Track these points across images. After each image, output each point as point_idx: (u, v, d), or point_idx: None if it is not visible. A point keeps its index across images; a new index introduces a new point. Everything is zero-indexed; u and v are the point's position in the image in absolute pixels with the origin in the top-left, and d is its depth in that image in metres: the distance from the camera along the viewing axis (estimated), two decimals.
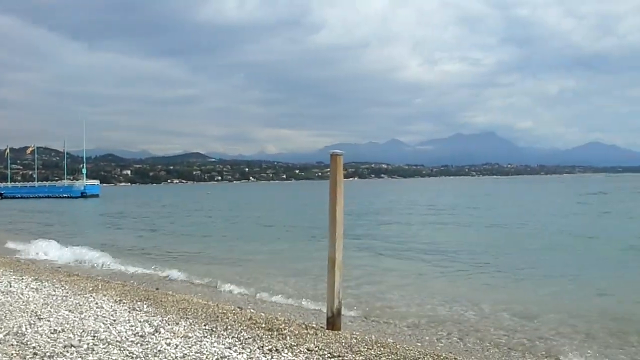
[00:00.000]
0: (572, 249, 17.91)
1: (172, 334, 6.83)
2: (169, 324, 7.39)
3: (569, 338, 7.93)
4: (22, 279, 11.53)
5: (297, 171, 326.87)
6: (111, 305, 8.71)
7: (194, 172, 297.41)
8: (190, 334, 6.88)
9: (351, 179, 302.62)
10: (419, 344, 7.60)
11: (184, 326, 7.35)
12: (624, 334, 8.12)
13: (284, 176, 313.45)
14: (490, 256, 16.72)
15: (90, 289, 10.41)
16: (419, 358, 6.33)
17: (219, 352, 6.09)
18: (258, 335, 6.92)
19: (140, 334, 6.82)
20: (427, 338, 8.12)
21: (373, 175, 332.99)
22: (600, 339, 7.86)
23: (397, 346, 6.91)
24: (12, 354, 5.81)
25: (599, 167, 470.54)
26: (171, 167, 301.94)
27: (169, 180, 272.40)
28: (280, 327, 7.50)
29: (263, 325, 7.55)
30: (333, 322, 7.54)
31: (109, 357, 5.80)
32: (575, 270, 13.91)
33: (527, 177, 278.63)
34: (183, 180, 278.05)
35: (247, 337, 6.83)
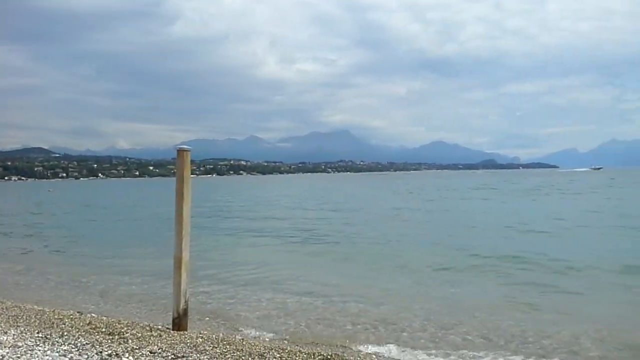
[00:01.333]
0: (403, 233, 19.13)
1: None
2: None
3: (408, 321, 8.48)
4: None
5: (151, 167, 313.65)
6: None
7: (36, 169, 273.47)
8: (20, 343, 6.35)
9: (209, 175, 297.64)
10: (267, 338, 7.71)
11: (13, 335, 6.77)
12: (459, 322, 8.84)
13: (137, 173, 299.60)
14: (336, 243, 17.61)
15: None
16: (265, 353, 6.40)
17: None
18: (97, 341, 6.57)
19: None
20: (276, 329, 8.25)
21: (232, 172, 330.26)
22: (436, 321, 8.48)
23: (244, 342, 6.95)
24: None
25: (442, 164, 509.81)
26: (8, 163, 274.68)
27: (6, 178, 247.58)
28: (122, 330, 7.19)
29: (103, 330, 7.18)
30: (179, 322, 7.37)
31: None
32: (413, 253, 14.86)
33: (378, 174, 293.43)
34: (23, 178, 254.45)
35: (85, 342, 6.46)
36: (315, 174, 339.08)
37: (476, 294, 10.42)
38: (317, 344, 7.44)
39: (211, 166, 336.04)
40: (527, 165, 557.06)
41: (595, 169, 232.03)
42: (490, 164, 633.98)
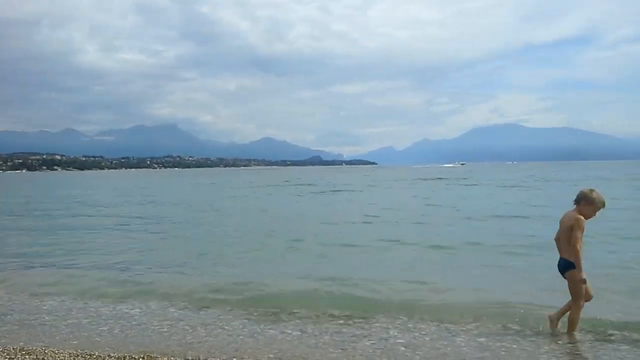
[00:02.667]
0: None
1: None
2: None
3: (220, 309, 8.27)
4: None
5: None
6: None
7: None
8: None
9: (18, 171, 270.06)
10: (75, 343, 7.03)
11: None
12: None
13: None
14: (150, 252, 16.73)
15: None
16: None
17: None
18: None
19: None
20: (85, 335, 7.55)
21: (45, 167, 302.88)
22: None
23: (46, 351, 6.25)
24: None
25: (271, 161, 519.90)
26: None
27: None
28: None
29: None
30: None
31: None
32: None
33: (207, 170, 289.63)
34: None
35: None
36: (140, 169, 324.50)
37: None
38: (130, 348, 6.95)
39: (20, 161, 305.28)
40: (350, 162, 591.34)
41: (461, 164, 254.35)
42: (317, 160, 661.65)
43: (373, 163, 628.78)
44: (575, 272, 6.14)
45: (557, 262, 6.46)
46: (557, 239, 6.48)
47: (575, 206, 6.31)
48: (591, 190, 6.22)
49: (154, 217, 24.28)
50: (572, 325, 6.47)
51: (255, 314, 8.07)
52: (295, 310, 8.12)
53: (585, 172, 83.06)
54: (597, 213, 6.26)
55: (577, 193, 6.31)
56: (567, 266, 6.24)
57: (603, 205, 6.20)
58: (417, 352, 6.18)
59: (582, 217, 6.15)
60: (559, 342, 6.36)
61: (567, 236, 6.23)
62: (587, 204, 6.19)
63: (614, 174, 66.18)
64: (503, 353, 6.08)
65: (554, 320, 6.62)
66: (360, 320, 7.56)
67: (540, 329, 6.83)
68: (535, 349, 6.16)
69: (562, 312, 6.58)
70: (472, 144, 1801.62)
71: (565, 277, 6.33)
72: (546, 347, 6.20)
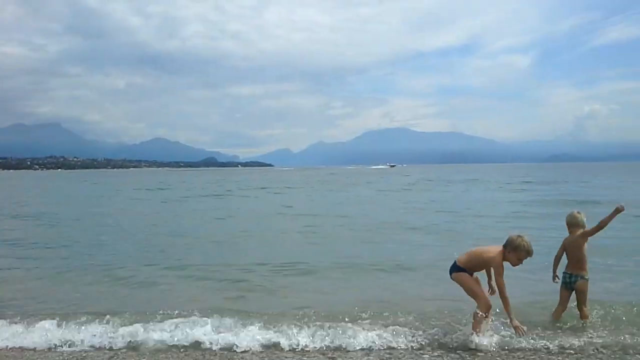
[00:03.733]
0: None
1: None
2: None
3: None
4: None
5: None
6: None
7: None
8: None
9: None
10: None
11: None
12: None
13: None
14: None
15: None
16: None
17: None
18: None
19: None
20: None
21: None
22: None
23: None
24: None
25: (164, 162, 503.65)
26: None
27: None
28: None
29: None
30: None
31: None
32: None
33: (94, 171, 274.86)
34: None
35: None
36: (19, 170, 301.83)
37: None
38: None
39: None
40: (245, 164, 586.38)
41: (391, 166, 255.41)
42: (212, 162, 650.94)
43: (269, 165, 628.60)
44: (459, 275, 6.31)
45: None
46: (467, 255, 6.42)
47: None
48: (519, 236, 6.06)
49: None
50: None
51: None
52: None
53: (461, 175, 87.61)
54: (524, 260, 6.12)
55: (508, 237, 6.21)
56: (456, 269, 6.37)
57: (528, 253, 6.03)
58: None
59: (500, 260, 6.04)
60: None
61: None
62: (512, 250, 6.06)
63: (488, 176, 70.72)
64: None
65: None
66: None
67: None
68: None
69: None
70: (365, 147, 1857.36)
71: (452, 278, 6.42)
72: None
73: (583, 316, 6.84)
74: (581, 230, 6.71)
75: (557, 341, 6.13)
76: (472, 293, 6.26)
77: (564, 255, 6.85)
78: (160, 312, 7.34)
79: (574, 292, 6.81)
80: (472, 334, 6.14)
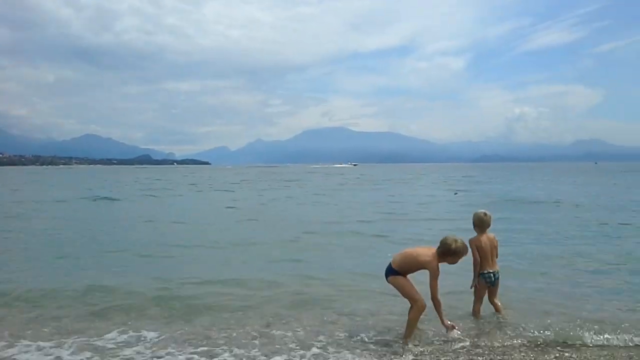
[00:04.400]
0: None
1: None
2: None
3: None
4: None
5: None
6: None
7: None
8: None
9: None
10: None
11: None
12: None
13: None
14: None
15: None
16: None
17: None
18: None
19: None
20: None
21: None
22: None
23: None
24: None
25: (95, 159, 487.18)
26: None
27: None
28: None
29: None
30: None
31: None
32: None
33: (21, 168, 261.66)
34: None
35: None
36: None
37: None
38: None
39: None
40: (182, 162, 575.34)
41: (353, 165, 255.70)
42: (146, 160, 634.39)
43: (206, 163, 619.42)
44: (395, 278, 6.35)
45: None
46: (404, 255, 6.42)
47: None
48: (455, 241, 6.13)
49: None
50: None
51: None
52: None
53: (402, 174, 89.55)
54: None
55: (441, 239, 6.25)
56: (392, 272, 6.38)
57: (464, 254, 6.21)
58: None
59: (436, 264, 6.13)
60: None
61: (410, 262, 6.31)
62: (450, 255, 6.13)
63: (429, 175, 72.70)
64: None
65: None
66: None
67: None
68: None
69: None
70: (305, 146, 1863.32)
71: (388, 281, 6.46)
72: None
73: (498, 309, 7.15)
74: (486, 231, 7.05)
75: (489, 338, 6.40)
76: (409, 296, 6.33)
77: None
78: None
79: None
80: (403, 342, 6.26)
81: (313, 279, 9.54)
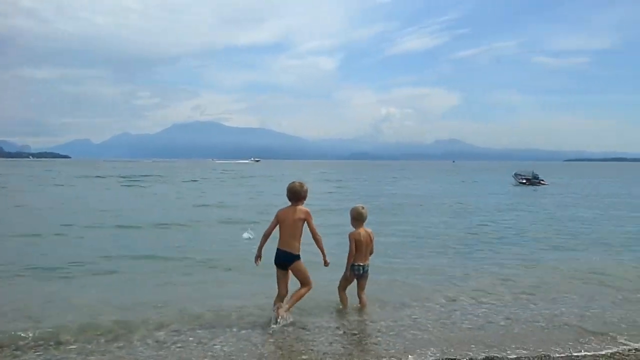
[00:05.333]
0: None
1: None
2: None
3: None
4: None
5: None
6: None
7: None
8: None
9: None
10: None
11: None
12: None
13: None
14: None
15: None
16: None
17: None
18: None
19: None
20: None
21: None
22: None
23: None
24: None
25: None
26: None
27: None
28: None
29: None
30: None
31: None
32: None
33: None
34: None
35: None
36: None
37: None
38: None
39: None
40: (38, 155, 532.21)
41: (255, 160, 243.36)
42: None
43: (66, 156, 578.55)
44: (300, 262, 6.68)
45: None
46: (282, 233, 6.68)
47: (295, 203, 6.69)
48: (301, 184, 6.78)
49: None
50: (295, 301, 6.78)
51: None
52: None
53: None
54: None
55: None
56: (293, 258, 6.63)
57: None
58: None
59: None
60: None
61: (295, 231, 6.59)
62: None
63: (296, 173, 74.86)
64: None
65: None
66: None
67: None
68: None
69: (293, 301, 6.73)
70: (175, 140, 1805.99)
71: (290, 269, 6.67)
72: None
73: (363, 303, 7.35)
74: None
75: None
76: (307, 278, 6.71)
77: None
78: None
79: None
80: (280, 316, 6.56)
81: None
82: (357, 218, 7.11)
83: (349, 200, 25.53)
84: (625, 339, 6.15)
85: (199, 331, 6.40)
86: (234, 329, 6.47)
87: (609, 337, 6.23)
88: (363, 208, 7.16)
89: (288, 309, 6.65)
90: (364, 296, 7.33)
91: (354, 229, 7.11)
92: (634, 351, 5.70)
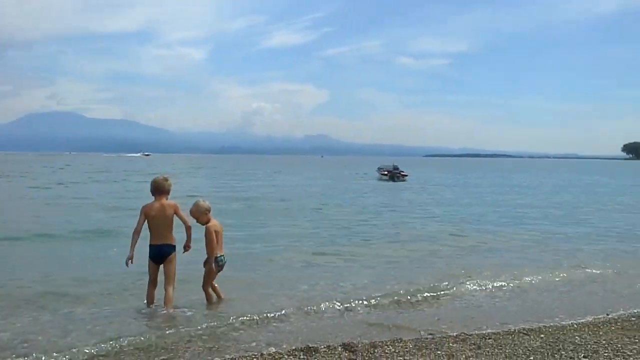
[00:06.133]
0: None
1: None
2: None
3: None
4: None
5: None
6: None
7: None
8: None
9: None
10: None
11: None
12: None
13: None
14: None
15: None
16: None
17: None
18: None
19: None
20: None
21: None
22: None
23: None
24: None
25: None
26: None
27: None
28: None
29: None
30: None
31: None
32: None
33: None
34: None
35: None
36: None
37: None
38: None
39: None
40: None
41: (145, 155, 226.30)
42: None
43: None
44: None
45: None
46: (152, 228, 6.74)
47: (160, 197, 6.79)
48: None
49: None
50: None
51: None
52: None
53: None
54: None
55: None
56: (172, 249, 6.80)
57: None
58: None
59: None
60: None
61: (167, 223, 6.71)
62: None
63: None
64: None
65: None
66: None
67: None
68: None
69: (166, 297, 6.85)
70: (29, 131, 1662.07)
71: (166, 261, 6.76)
72: None
73: (219, 294, 7.39)
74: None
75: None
76: (175, 272, 6.89)
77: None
78: None
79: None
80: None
81: None
82: (205, 212, 6.96)
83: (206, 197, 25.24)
84: None
85: None
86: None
87: None
88: (204, 201, 7.05)
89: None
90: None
91: (210, 221, 7.03)
92: None
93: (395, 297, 7.73)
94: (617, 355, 5.12)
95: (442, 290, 8.20)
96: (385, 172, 49.76)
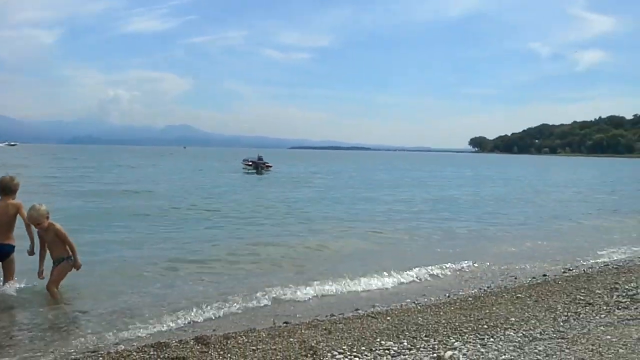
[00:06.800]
0: None
1: None
2: None
3: None
4: None
5: None
6: None
7: None
8: None
9: None
10: None
11: None
12: None
13: None
14: None
15: None
16: None
17: None
18: None
19: None
20: None
21: None
22: None
23: None
24: None
25: None
26: None
27: None
28: None
29: None
30: None
31: None
32: None
33: None
34: None
35: None
36: None
37: None
38: None
39: None
40: None
41: (11, 144, 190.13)
42: None
43: None
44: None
45: None
46: None
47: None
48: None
49: None
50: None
51: None
52: None
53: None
54: None
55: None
56: (13, 249, 6.89)
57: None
58: None
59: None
60: None
61: (10, 223, 6.80)
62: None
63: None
64: None
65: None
66: None
67: None
68: None
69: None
70: None
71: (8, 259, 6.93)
72: None
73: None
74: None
75: None
76: (14, 267, 7.09)
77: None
78: None
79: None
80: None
81: None
82: (48, 216, 6.83)
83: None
84: None
85: None
86: None
87: None
88: (40, 205, 6.76)
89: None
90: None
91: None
92: None
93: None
94: (455, 333, 5.55)
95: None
96: (250, 163, 49.60)
